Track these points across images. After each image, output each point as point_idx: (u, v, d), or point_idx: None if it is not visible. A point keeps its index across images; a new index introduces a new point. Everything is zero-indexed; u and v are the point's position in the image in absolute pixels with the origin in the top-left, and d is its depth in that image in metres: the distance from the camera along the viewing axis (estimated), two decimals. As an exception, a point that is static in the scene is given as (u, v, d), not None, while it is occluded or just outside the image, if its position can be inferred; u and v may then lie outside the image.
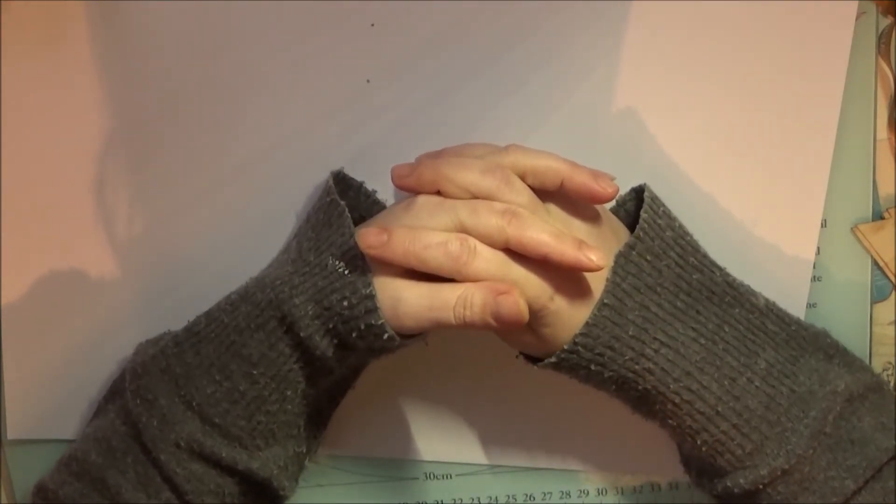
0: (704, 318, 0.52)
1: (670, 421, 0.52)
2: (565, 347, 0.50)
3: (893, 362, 0.59)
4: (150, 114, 0.59)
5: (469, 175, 0.50)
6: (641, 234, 0.52)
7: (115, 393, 0.57)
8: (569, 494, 0.62)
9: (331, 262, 0.51)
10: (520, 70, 0.57)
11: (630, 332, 0.50)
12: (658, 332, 0.51)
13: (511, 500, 0.62)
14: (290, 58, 0.58)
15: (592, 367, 0.51)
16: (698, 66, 0.57)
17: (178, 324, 0.57)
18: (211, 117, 0.59)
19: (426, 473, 0.62)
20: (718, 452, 0.52)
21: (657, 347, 0.50)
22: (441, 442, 0.61)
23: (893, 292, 0.59)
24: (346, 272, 0.50)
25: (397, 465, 0.62)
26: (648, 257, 0.52)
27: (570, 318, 0.50)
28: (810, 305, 0.59)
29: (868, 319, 0.59)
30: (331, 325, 0.51)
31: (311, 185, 0.58)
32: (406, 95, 0.57)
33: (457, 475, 0.62)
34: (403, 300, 0.49)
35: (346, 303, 0.50)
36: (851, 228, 0.58)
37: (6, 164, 0.59)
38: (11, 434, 0.62)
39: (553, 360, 0.51)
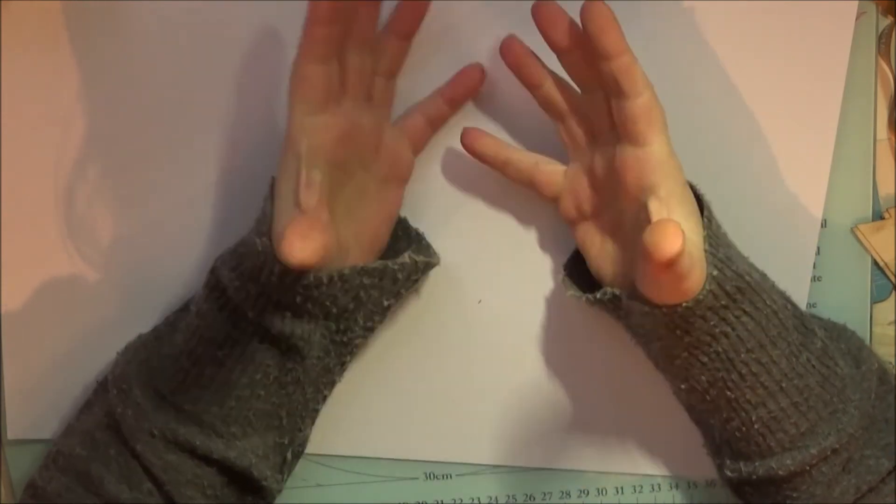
0: (776, 294, 0.52)
1: (729, 392, 0.52)
2: (665, 311, 0.49)
3: (894, 362, 0.59)
4: (150, 113, 0.59)
5: None
6: (711, 208, 0.52)
7: (101, 386, 0.58)
8: (569, 494, 0.62)
9: (252, 238, 0.52)
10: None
11: (722, 303, 0.50)
12: (745, 303, 0.50)
13: (511, 500, 0.62)
14: (289, 58, 0.57)
15: (677, 333, 0.50)
16: (698, 65, 0.57)
17: (178, 324, 0.57)
18: (211, 117, 0.59)
19: (426, 473, 0.62)
20: (771, 431, 0.51)
21: (738, 315, 0.50)
22: (441, 442, 0.61)
23: (893, 292, 0.59)
24: (261, 248, 0.51)
25: (397, 465, 0.62)
26: (723, 230, 0.52)
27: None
28: (810, 305, 0.59)
29: (868, 319, 0.59)
30: (274, 298, 0.51)
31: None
32: (406, 95, 0.57)
33: (457, 475, 0.62)
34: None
35: (273, 279, 0.51)
36: (851, 228, 0.58)
37: (6, 164, 0.59)
38: (11, 434, 0.62)
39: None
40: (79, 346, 0.61)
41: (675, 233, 0.44)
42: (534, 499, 0.62)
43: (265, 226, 0.51)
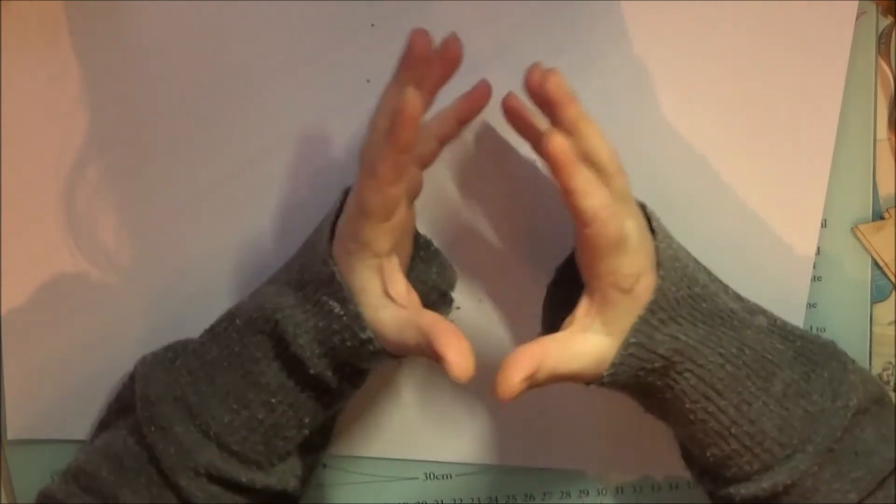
0: (726, 342, 0.51)
1: (681, 428, 0.53)
2: (592, 383, 0.52)
3: (893, 362, 0.59)
4: (151, 113, 0.59)
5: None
6: (665, 267, 0.51)
7: (125, 408, 0.56)
8: (569, 494, 0.62)
9: (323, 298, 0.52)
10: (521, 69, 0.57)
11: (656, 365, 0.50)
12: (687, 362, 0.51)
13: (511, 500, 0.62)
14: (289, 58, 0.58)
15: (624, 382, 0.52)
16: (698, 66, 0.57)
17: (177, 326, 0.57)
18: (212, 117, 0.59)
19: (426, 473, 0.62)
20: (726, 466, 0.52)
21: (681, 371, 0.51)
22: (441, 442, 0.61)
23: (893, 292, 0.59)
24: (342, 313, 0.51)
25: (397, 465, 0.62)
26: (673, 289, 0.51)
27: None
28: (810, 305, 0.59)
29: (868, 319, 0.59)
30: (340, 359, 0.52)
31: (311, 187, 0.58)
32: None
33: (457, 475, 0.62)
34: (381, 322, 0.51)
35: (349, 343, 0.51)
36: (851, 228, 0.58)
37: (6, 164, 0.59)
38: (11, 434, 0.62)
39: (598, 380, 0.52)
40: (79, 347, 0.61)
41: (514, 383, 0.49)
42: (534, 499, 0.62)
43: (343, 293, 0.51)
